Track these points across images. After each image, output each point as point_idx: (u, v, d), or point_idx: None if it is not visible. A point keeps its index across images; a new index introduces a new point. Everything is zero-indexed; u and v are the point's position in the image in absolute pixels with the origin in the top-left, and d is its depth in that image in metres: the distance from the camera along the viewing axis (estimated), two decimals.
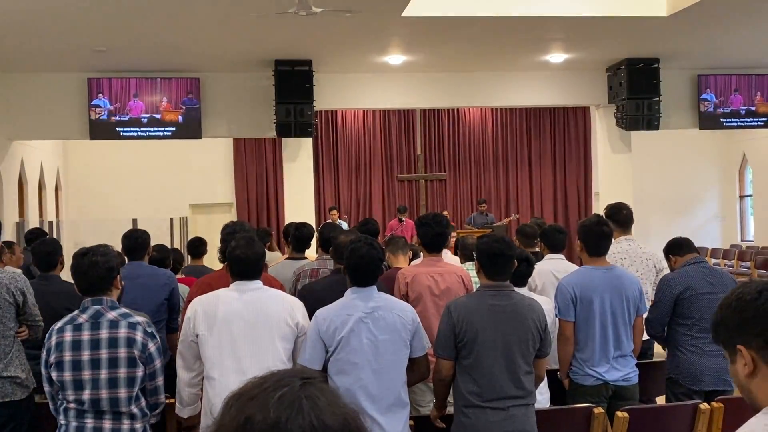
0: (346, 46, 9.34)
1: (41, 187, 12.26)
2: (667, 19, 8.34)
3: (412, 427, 3.62)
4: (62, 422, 3.15)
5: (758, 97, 11.38)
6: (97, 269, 3.15)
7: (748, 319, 1.57)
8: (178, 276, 5.89)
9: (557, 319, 4.26)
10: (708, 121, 11.39)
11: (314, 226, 7.15)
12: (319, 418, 1.06)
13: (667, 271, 4.83)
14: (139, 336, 3.14)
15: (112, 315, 3.15)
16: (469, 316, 3.43)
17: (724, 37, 9.43)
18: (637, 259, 5.11)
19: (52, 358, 3.11)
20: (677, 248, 4.66)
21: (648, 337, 4.89)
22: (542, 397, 4.14)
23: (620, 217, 5.17)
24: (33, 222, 10.87)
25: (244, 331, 3.40)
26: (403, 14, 7.78)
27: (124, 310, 3.22)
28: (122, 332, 3.12)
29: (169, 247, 7.28)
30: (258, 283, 3.55)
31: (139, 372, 3.14)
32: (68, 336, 3.11)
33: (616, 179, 11.34)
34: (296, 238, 5.40)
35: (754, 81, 11.36)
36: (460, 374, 3.48)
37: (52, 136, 11.63)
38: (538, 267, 5.06)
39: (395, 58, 10.06)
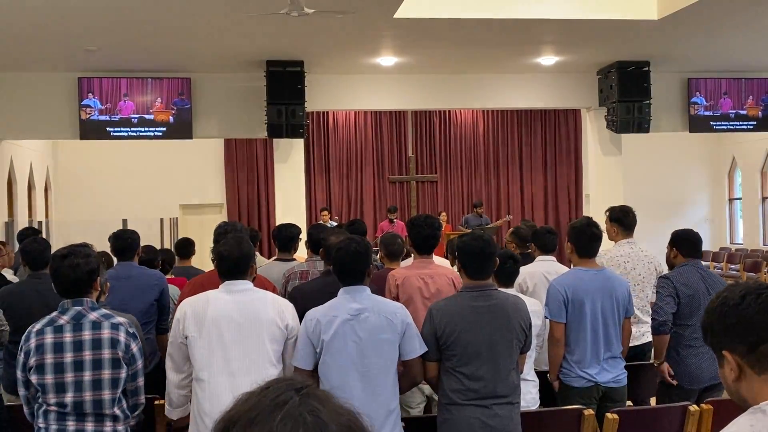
0: (338, 47, 9.33)
1: (31, 187, 12.20)
2: (658, 22, 8.37)
3: (405, 429, 3.61)
4: (41, 425, 3.04)
5: (748, 100, 11.44)
6: (77, 272, 3.07)
7: (732, 325, 1.57)
8: (168, 277, 5.88)
9: (547, 320, 4.27)
10: (698, 124, 11.44)
11: (305, 227, 7.15)
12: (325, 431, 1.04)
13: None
14: (122, 337, 3.08)
15: (93, 316, 3.08)
16: (451, 319, 3.44)
17: (715, 40, 9.47)
18: (639, 262, 5.11)
19: (31, 362, 3.01)
20: (685, 244, 4.61)
21: (647, 340, 4.92)
22: (531, 397, 4.15)
23: (627, 220, 5.17)
24: (22, 222, 10.81)
25: (233, 332, 3.37)
26: (395, 16, 7.78)
27: (105, 311, 3.16)
28: (106, 333, 3.06)
29: (158, 247, 7.27)
30: (247, 284, 3.52)
31: (123, 373, 3.08)
32: (49, 338, 3.02)
33: (607, 182, 11.37)
34: (277, 238, 5.40)
35: (744, 84, 11.42)
36: (444, 373, 3.49)
37: (42, 136, 11.58)
38: (530, 269, 5.08)
39: (387, 60, 10.05)
